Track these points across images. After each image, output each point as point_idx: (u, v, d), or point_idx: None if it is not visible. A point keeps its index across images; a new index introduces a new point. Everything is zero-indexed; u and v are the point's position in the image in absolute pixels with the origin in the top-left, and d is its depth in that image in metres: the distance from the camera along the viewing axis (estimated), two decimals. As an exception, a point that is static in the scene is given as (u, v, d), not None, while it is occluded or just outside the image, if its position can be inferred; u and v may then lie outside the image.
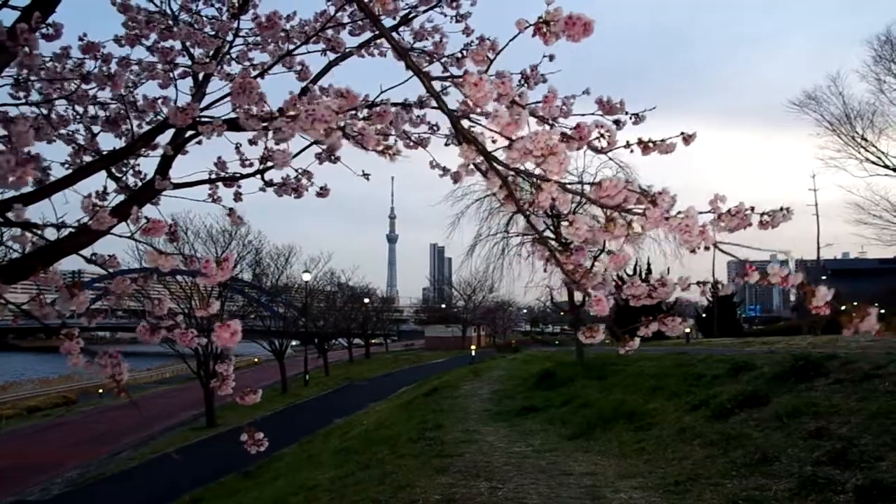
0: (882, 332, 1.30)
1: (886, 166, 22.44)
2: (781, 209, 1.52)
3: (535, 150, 1.32)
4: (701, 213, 1.44)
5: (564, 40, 1.40)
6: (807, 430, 7.04)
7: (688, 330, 36.49)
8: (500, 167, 1.42)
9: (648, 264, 29.23)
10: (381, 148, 1.59)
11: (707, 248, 1.43)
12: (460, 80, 1.34)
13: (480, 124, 1.66)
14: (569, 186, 1.48)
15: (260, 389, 1.99)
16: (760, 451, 6.86)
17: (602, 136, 1.43)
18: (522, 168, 1.46)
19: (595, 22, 1.36)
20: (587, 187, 1.45)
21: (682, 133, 1.74)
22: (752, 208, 1.47)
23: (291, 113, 1.41)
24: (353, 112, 1.66)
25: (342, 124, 1.47)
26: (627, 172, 19.29)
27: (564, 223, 1.49)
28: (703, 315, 43.67)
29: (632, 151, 1.66)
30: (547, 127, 1.56)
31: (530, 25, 1.38)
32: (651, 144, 1.68)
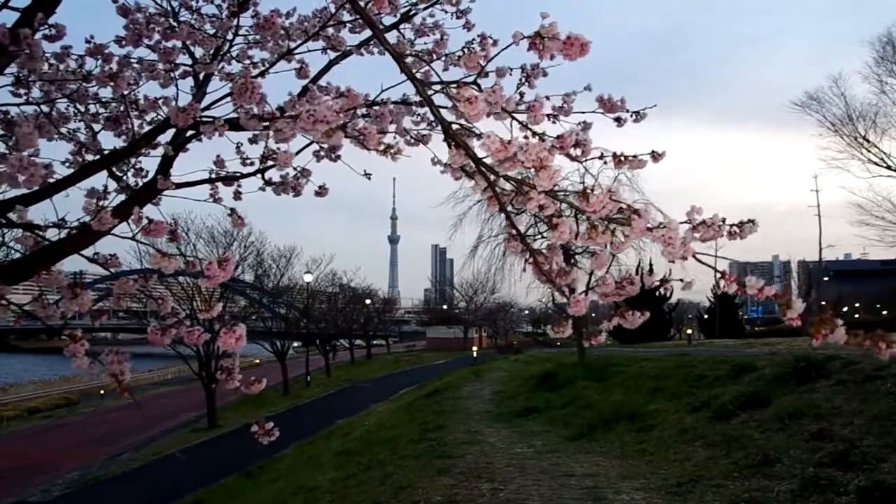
0: (851, 342, 1.38)
1: (889, 167, 22.43)
2: (749, 221, 1.65)
3: (526, 162, 1.37)
4: (681, 222, 1.54)
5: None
6: (808, 432, 7.02)
7: (690, 331, 36.43)
8: (488, 172, 1.46)
9: (651, 265, 29.20)
10: (382, 147, 1.61)
11: (685, 259, 1.51)
12: (455, 91, 1.37)
13: (473, 132, 1.69)
14: (558, 195, 1.53)
15: (265, 379, 2.00)
16: (762, 453, 6.84)
17: (578, 144, 1.49)
18: (511, 175, 1.50)
19: (591, 43, 1.41)
20: (574, 195, 1.50)
21: (653, 151, 1.87)
22: (724, 220, 1.59)
23: (292, 113, 1.43)
24: (354, 111, 1.67)
25: (343, 123, 1.48)
26: (630, 175, 19.32)
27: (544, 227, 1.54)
28: (706, 316, 43.61)
29: (605, 163, 1.73)
30: (536, 139, 1.59)
31: (525, 38, 1.41)
32: (623, 159, 1.78)
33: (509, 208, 1.55)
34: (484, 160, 1.45)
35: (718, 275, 1.53)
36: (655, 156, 1.85)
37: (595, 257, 1.72)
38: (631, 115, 2.11)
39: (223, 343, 1.72)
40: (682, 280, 1.80)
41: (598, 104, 1.96)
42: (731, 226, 1.60)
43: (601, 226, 1.47)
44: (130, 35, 2.35)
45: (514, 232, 1.61)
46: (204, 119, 2.10)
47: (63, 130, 2.53)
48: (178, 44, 2.47)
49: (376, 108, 2.21)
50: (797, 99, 24.72)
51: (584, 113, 2.01)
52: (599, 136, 1.66)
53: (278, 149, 1.99)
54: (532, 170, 1.38)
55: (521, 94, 2.07)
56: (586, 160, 1.55)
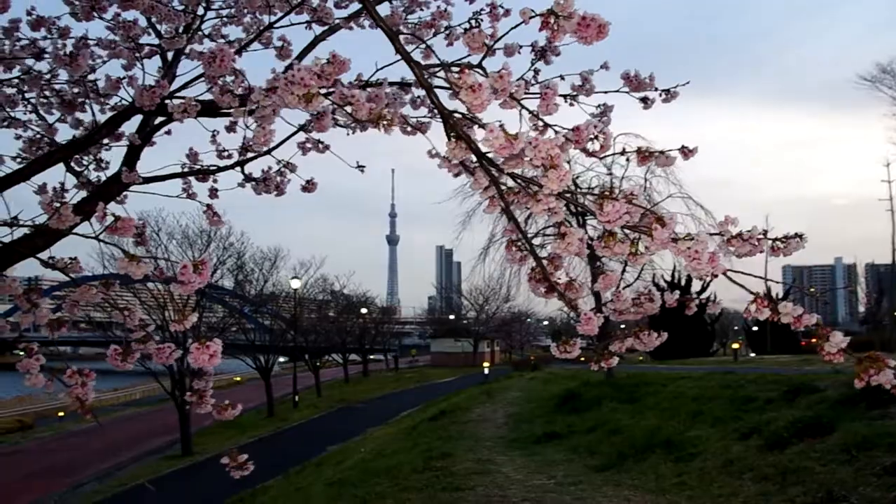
0: None
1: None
2: (795, 235, 1.61)
3: (534, 159, 1.36)
4: (712, 234, 1.52)
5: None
6: (881, 465, 6.93)
7: (736, 345, 36.16)
8: (492, 168, 1.45)
9: (689, 274, 28.99)
10: (373, 118, 1.61)
11: (715, 276, 1.50)
12: (457, 77, 1.37)
13: (476, 122, 1.69)
14: (575, 194, 1.52)
15: (239, 404, 2.02)
16: (824, 489, 6.77)
17: (595, 138, 1.47)
18: (519, 173, 1.50)
19: (610, 24, 1.41)
20: (591, 199, 1.49)
21: (683, 147, 1.83)
22: (765, 232, 1.55)
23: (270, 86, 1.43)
24: (339, 82, 1.67)
25: (325, 92, 1.48)
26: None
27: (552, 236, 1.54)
28: (755, 328, 43.17)
29: (628, 160, 1.73)
30: (550, 132, 1.59)
31: (536, 16, 1.41)
32: (648, 155, 1.75)
33: (515, 210, 1.54)
34: (487, 155, 1.45)
35: (751, 298, 1.51)
36: (686, 152, 1.84)
37: (602, 278, 1.71)
38: (660, 94, 2.08)
39: (195, 360, 1.74)
40: (703, 300, 1.77)
41: (622, 82, 1.94)
42: (774, 240, 1.57)
43: (619, 234, 1.46)
44: (83, 7, 2.33)
45: (514, 237, 1.61)
46: (174, 96, 2.10)
47: (11, 116, 2.52)
48: (141, 18, 2.46)
49: (370, 89, 2.21)
50: (866, 72, 24.41)
51: (606, 93, 1.99)
52: (626, 121, 1.65)
53: (255, 128, 1.98)
54: (541, 168, 1.37)
55: (537, 72, 2.07)
56: (605, 156, 1.54)
